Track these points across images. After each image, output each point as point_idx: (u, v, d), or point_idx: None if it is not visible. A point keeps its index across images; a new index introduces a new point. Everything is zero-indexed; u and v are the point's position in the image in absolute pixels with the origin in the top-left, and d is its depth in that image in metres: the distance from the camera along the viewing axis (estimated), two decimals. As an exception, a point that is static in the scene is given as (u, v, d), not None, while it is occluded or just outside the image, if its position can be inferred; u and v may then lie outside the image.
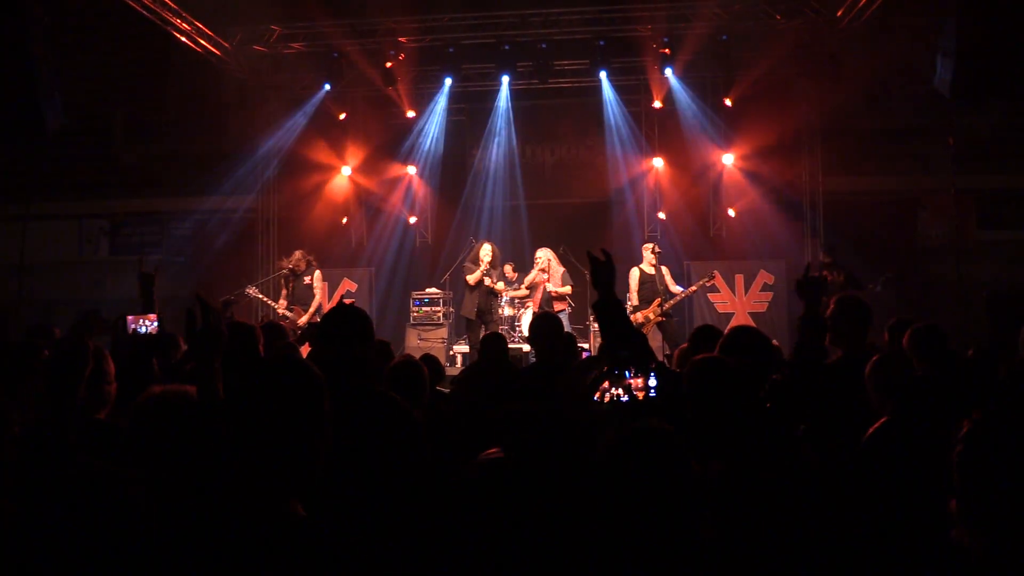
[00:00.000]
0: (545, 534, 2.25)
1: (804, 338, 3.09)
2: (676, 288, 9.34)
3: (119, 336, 5.35)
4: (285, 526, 1.56)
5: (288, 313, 9.10)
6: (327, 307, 9.74)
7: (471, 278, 9.41)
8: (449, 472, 3.28)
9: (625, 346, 2.41)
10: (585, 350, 8.87)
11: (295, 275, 9.26)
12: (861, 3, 9.72)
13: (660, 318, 9.14)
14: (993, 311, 9.66)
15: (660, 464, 1.75)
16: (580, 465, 2.18)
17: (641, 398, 2.11)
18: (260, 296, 9.35)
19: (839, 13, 10.28)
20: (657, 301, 9.16)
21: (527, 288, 9.78)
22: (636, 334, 2.82)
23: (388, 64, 11.19)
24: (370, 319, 2.97)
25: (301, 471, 1.63)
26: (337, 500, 1.92)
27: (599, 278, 2.85)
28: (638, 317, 9.18)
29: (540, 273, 9.57)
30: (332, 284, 11.29)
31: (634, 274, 9.37)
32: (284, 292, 9.37)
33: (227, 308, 4.56)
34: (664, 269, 9.44)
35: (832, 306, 3.97)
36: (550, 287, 9.62)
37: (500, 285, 9.62)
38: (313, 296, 9.29)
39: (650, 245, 9.56)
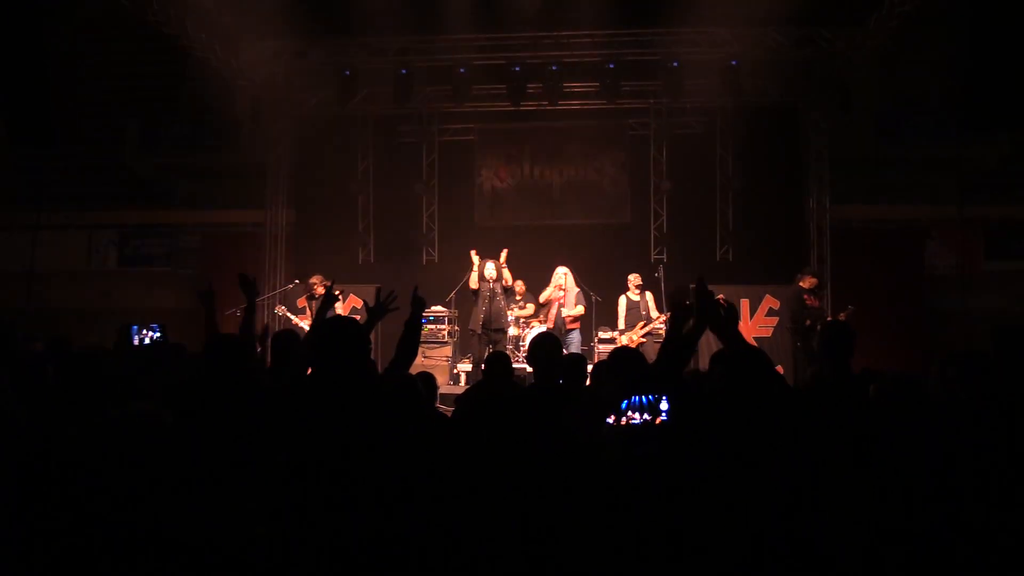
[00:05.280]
0: (553, 554, 2.25)
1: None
2: (655, 313, 9.98)
3: (122, 346, 5.38)
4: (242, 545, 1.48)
5: None
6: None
7: (472, 282, 9.76)
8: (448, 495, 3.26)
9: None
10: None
11: (314, 298, 9.56)
12: (871, 33, 9.79)
13: (643, 339, 9.83)
14: (999, 342, 9.62)
15: (666, 484, 1.74)
16: (588, 487, 2.17)
17: (657, 422, 2.11)
18: (288, 315, 9.70)
19: (849, 43, 10.36)
20: (640, 324, 9.94)
21: (543, 302, 9.94)
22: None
23: (399, 83, 11.27)
24: (364, 330, 2.91)
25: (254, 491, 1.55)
26: (331, 513, 1.89)
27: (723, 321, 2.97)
28: (622, 339, 10.00)
29: (556, 290, 9.81)
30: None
31: (622, 302, 10.17)
32: (308, 312, 9.70)
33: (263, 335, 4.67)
34: (648, 295, 10.08)
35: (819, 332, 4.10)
36: (565, 311, 9.82)
37: (511, 281, 9.92)
38: None
39: (633, 276, 10.22)
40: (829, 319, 10.07)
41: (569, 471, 2.30)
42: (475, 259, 9.77)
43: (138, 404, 2.25)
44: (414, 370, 5.55)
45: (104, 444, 2.12)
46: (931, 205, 11.88)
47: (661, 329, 9.65)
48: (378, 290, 4.07)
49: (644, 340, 9.80)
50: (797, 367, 9.53)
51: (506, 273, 9.79)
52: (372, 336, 11.83)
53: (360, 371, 2.68)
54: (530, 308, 10.20)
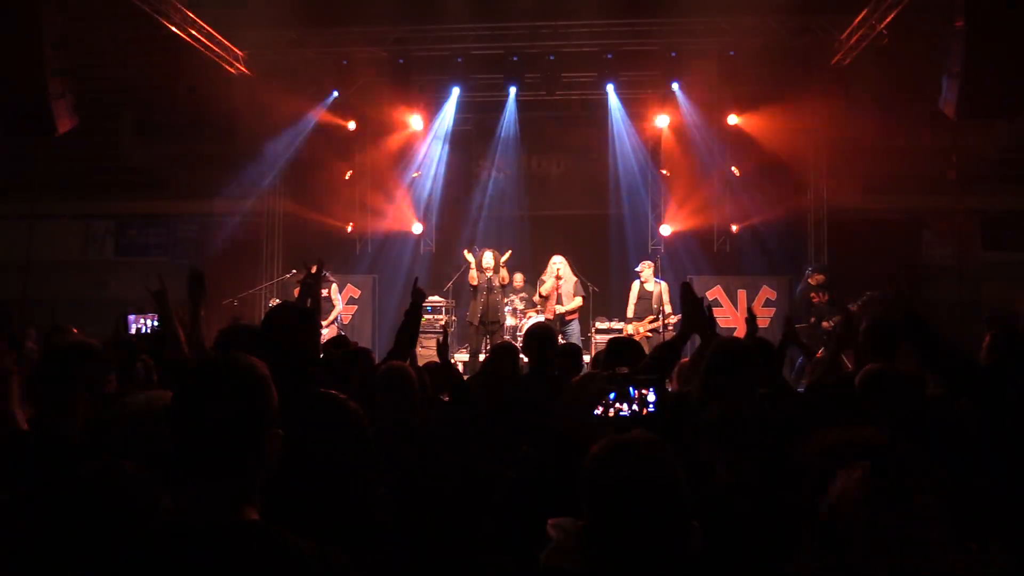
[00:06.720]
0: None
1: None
2: (669, 308, 9.61)
3: (119, 335, 5.38)
4: (236, 533, 1.47)
5: None
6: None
7: (471, 279, 9.74)
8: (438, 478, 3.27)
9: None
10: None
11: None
12: (868, 23, 9.77)
13: (648, 333, 9.54)
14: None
15: (645, 473, 1.73)
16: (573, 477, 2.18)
17: (644, 413, 2.12)
18: None
19: (846, 33, 10.33)
20: (650, 318, 9.66)
21: (545, 295, 9.85)
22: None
23: (397, 73, 11.25)
24: (312, 315, 2.90)
25: (250, 475, 1.54)
26: (281, 505, 1.89)
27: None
28: (627, 329, 9.68)
29: (556, 280, 9.72)
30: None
31: (634, 288, 9.91)
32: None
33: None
34: (664, 286, 9.79)
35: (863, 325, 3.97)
36: (561, 308, 9.70)
37: (511, 277, 9.93)
38: (333, 307, 10.08)
39: (649, 263, 9.96)
40: (850, 306, 9.83)
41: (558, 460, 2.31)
42: (469, 257, 9.79)
43: (155, 392, 2.24)
44: (419, 361, 5.55)
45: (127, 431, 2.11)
46: (928, 195, 11.86)
47: (670, 328, 9.40)
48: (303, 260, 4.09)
49: (650, 335, 9.55)
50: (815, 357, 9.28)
51: (504, 272, 9.77)
52: (370, 328, 11.81)
53: (307, 354, 2.67)
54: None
